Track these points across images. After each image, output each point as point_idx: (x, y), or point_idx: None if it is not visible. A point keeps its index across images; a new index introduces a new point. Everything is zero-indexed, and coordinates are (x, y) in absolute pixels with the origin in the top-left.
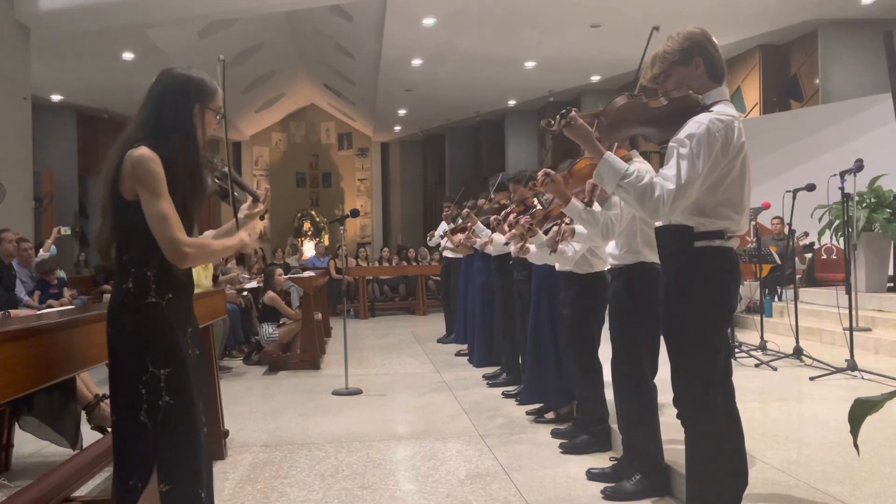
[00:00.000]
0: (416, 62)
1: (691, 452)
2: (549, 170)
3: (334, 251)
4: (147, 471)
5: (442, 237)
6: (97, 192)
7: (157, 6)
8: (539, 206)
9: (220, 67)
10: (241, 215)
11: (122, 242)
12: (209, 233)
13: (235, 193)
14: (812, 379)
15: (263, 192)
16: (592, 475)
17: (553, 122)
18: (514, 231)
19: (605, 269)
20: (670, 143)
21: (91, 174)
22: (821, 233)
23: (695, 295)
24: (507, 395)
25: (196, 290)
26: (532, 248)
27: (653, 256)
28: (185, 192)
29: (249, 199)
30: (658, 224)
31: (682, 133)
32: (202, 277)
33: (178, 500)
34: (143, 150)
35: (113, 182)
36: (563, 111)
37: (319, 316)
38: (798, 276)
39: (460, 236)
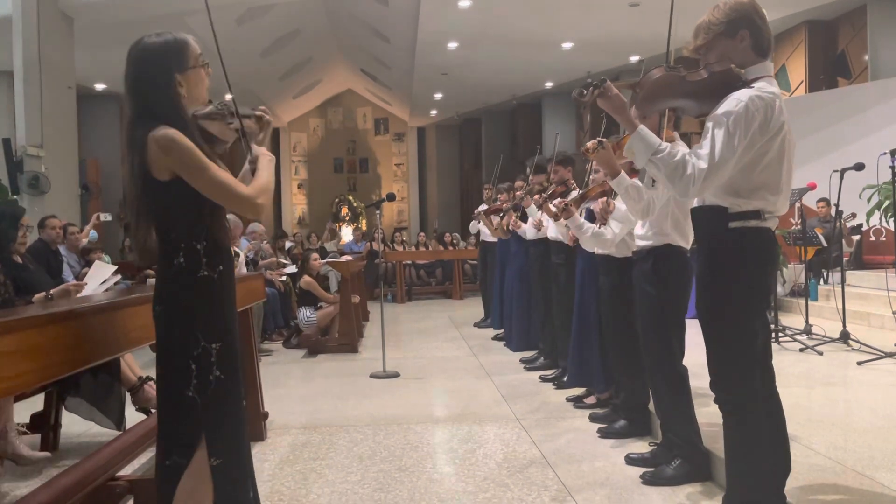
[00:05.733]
0: (452, 45)
1: (730, 438)
2: (602, 138)
3: (371, 235)
4: (192, 447)
5: (475, 215)
6: (125, 189)
7: None
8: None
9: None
10: (256, 142)
11: (165, 223)
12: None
13: (243, 124)
14: (860, 364)
15: (261, 112)
16: (631, 460)
17: (585, 91)
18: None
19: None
20: (706, 121)
21: None
22: (869, 214)
23: (730, 277)
24: (544, 380)
25: None
26: (587, 230)
27: (680, 240)
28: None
29: (254, 122)
30: (693, 205)
31: (720, 109)
32: None
33: (228, 474)
34: (165, 130)
35: (141, 167)
36: (597, 81)
37: (357, 299)
38: (845, 259)
39: (503, 218)
